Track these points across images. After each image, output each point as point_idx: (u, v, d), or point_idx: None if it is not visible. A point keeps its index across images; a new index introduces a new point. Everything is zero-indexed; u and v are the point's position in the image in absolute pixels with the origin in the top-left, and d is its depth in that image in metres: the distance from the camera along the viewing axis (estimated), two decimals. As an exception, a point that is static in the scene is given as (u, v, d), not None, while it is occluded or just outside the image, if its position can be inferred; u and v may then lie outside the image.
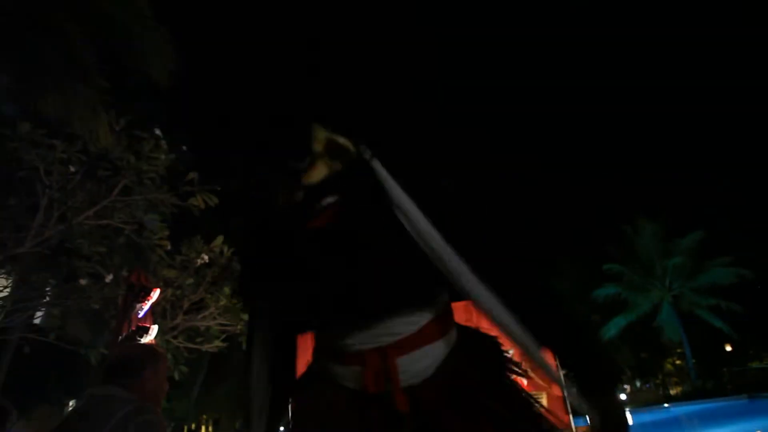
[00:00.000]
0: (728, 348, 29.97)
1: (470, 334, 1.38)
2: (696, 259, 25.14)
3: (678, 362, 35.68)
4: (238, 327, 6.80)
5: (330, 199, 1.13)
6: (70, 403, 9.76)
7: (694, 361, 25.37)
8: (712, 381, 26.10)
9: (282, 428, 1.33)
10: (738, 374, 25.76)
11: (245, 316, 6.25)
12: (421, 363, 1.22)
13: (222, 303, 6.63)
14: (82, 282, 5.87)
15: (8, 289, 6.13)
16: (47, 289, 6.49)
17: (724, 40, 49.64)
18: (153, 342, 3.83)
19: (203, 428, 27.26)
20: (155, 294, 4.15)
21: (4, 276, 6.20)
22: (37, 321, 8.22)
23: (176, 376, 6.55)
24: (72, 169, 5.52)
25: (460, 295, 1.25)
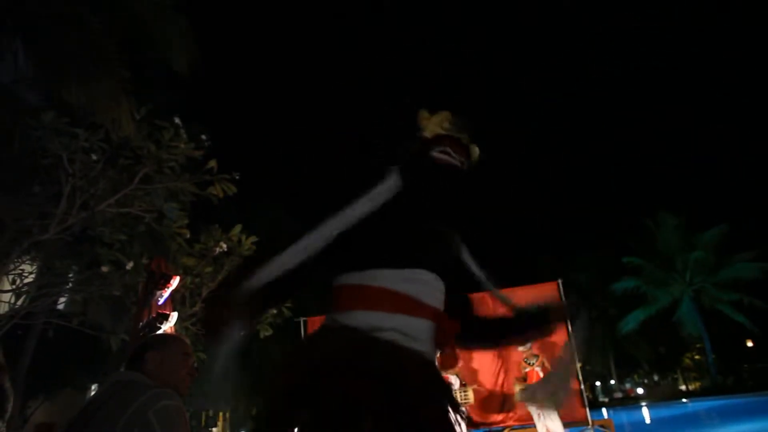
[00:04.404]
0: (749, 344, 29.53)
1: None
2: (718, 254, 24.72)
3: (697, 357, 35.29)
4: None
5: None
6: (92, 387, 9.96)
7: (713, 356, 25.02)
8: (732, 377, 25.76)
9: None
10: (759, 370, 25.40)
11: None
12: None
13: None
14: (104, 269, 5.96)
15: (33, 275, 6.25)
16: (70, 275, 6.61)
17: (757, 34, 48.39)
18: (172, 329, 3.89)
19: (220, 414, 27.67)
20: (175, 281, 4.22)
21: (29, 262, 6.33)
22: (60, 307, 8.38)
23: (194, 363, 6.64)
24: (94, 157, 5.59)
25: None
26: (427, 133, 1.64)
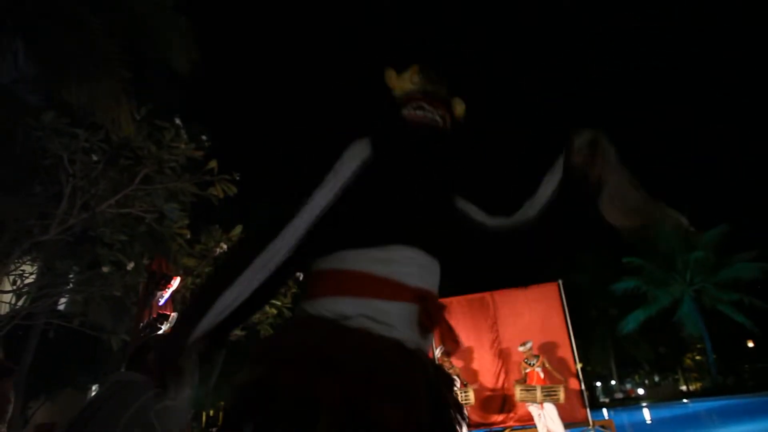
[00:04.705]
0: (750, 344, 29.52)
1: None
2: (719, 254, 24.69)
3: (698, 358, 35.26)
4: (257, 316, 6.87)
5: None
6: (93, 388, 9.96)
7: (714, 356, 24.99)
8: (733, 377, 25.73)
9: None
10: (760, 371, 25.36)
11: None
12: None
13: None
14: (105, 269, 5.97)
15: (33, 276, 6.25)
16: (71, 276, 6.61)
17: (757, 34, 48.41)
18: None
19: (221, 415, 27.69)
20: (175, 282, 4.23)
21: (30, 263, 6.33)
22: (61, 307, 8.38)
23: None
24: (95, 158, 5.60)
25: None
26: (397, 93, 1.47)
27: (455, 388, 1.31)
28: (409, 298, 1.19)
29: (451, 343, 1.31)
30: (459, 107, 1.52)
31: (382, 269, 1.19)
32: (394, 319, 1.14)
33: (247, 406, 1.06)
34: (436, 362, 1.33)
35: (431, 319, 1.20)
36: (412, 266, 1.22)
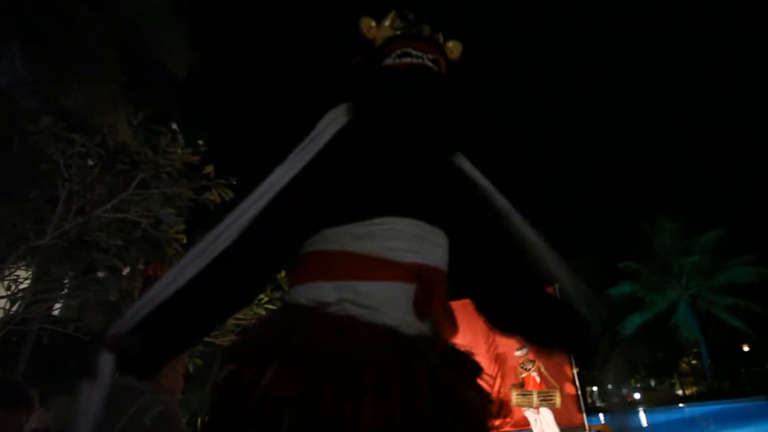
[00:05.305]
0: (746, 348, 29.58)
1: None
2: (715, 258, 24.78)
3: (694, 362, 35.28)
4: (253, 321, 6.83)
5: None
6: (88, 393, 9.90)
7: (710, 360, 25.04)
8: (729, 381, 25.79)
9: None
10: (755, 375, 25.44)
11: (260, 310, 6.30)
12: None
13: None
14: (100, 274, 5.96)
15: (28, 281, 6.23)
16: (66, 281, 6.59)
17: (757, 34, 48.76)
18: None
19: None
20: (171, 287, 4.20)
21: (24, 268, 6.31)
22: (55, 312, 8.34)
23: (191, 368, 6.62)
24: (91, 162, 5.60)
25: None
26: (378, 43, 1.29)
27: (479, 376, 1.14)
28: (399, 276, 1.03)
29: (447, 325, 1.13)
30: (455, 48, 1.33)
31: (364, 246, 1.03)
32: (380, 303, 0.99)
33: (216, 407, 1.00)
34: (455, 349, 1.15)
35: (426, 298, 1.05)
36: (402, 240, 1.06)
